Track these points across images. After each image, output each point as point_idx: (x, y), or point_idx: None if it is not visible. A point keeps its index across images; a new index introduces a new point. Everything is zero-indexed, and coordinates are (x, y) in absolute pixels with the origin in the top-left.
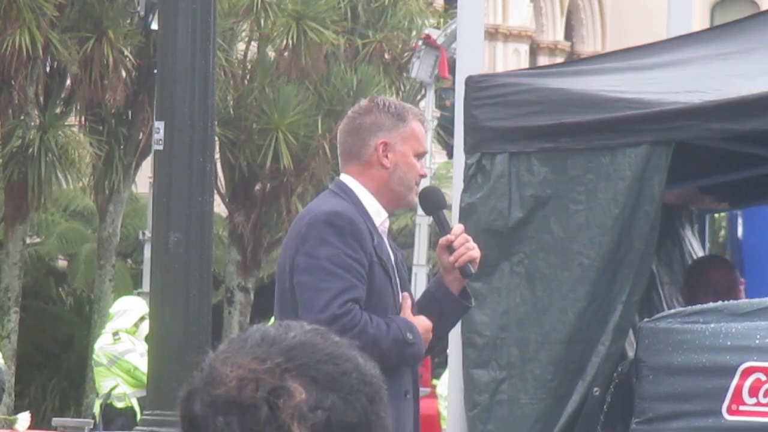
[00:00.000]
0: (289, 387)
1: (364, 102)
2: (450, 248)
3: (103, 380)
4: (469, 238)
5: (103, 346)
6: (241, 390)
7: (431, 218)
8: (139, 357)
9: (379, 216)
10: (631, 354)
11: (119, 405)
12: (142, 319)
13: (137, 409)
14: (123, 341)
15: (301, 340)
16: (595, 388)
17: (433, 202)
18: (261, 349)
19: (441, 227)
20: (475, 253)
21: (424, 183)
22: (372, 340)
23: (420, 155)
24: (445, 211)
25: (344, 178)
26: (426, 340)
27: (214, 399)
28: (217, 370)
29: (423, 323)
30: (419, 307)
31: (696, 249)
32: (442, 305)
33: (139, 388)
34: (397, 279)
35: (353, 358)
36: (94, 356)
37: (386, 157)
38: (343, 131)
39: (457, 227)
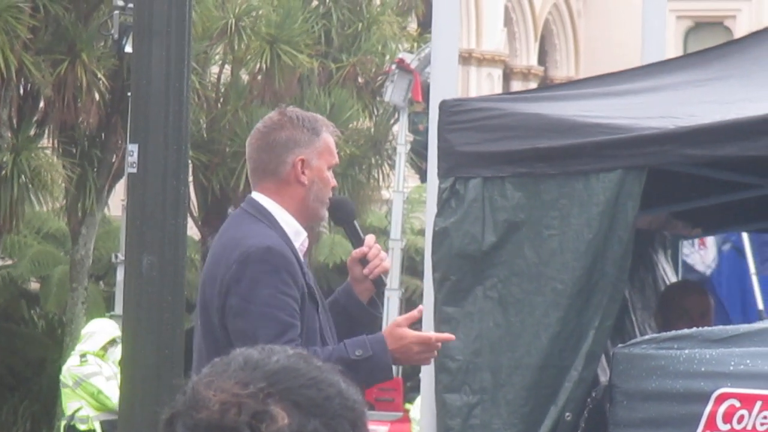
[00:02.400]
0: (271, 411)
1: (274, 115)
2: (363, 260)
3: (69, 402)
4: (380, 247)
5: (69, 367)
6: (224, 414)
7: (404, 242)
8: (104, 380)
9: (299, 236)
10: (603, 379)
11: (82, 427)
12: (111, 342)
13: None
14: (90, 363)
15: (284, 365)
16: (567, 414)
17: (343, 212)
18: (244, 373)
19: (353, 238)
20: (387, 263)
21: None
22: None
23: (332, 167)
24: (356, 222)
25: (257, 197)
26: (405, 352)
27: (197, 423)
28: (200, 393)
29: (395, 334)
30: None
31: (669, 274)
32: (352, 316)
33: (103, 411)
34: (322, 303)
35: (336, 383)
36: (61, 377)
37: (303, 173)
38: (255, 147)
39: (369, 238)
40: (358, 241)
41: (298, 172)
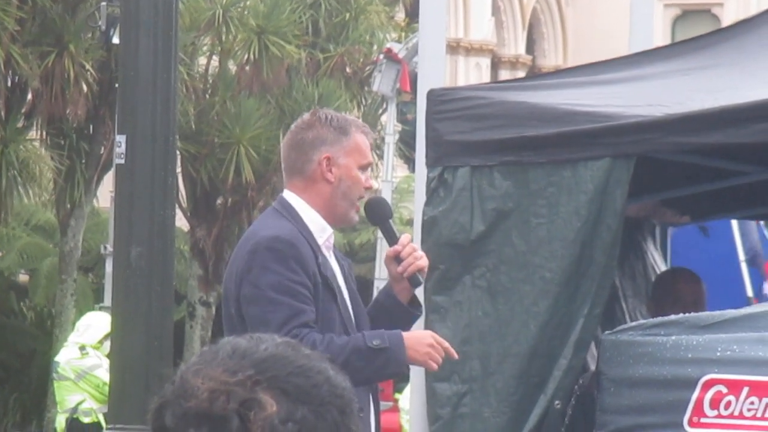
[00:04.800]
0: (260, 399)
1: (306, 116)
2: (398, 259)
3: (69, 395)
4: (417, 247)
5: (70, 360)
6: (213, 402)
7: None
8: (105, 372)
9: (324, 232)
10: (592, 367)
11: (86, 420)
12: (107, 336)
13: (104, 424)
14: (90, 356)
15: (273, 353)
16: (557, 402)
17: (379, 212)
18: (232, 362)
19: (388, 237)
20: (423, 262)
21: (387, 195)
22: (341, 359)
23: (364, 167)
24: (391, 221)
25: (287, 195)
26: (418, 350)
27: (186, 411)
28: (189, 382)
29: (417, 334)
30: (370, 318)
31: (658, 262)
32: (392, 315)
33: (107, 403)
34: (345, 293)
35: (324, 371)
36: (60, 370)
37: (330, 171)
38: (286, 146)
39: (404, 237)
40: (393, 240)
41: (324, 169)
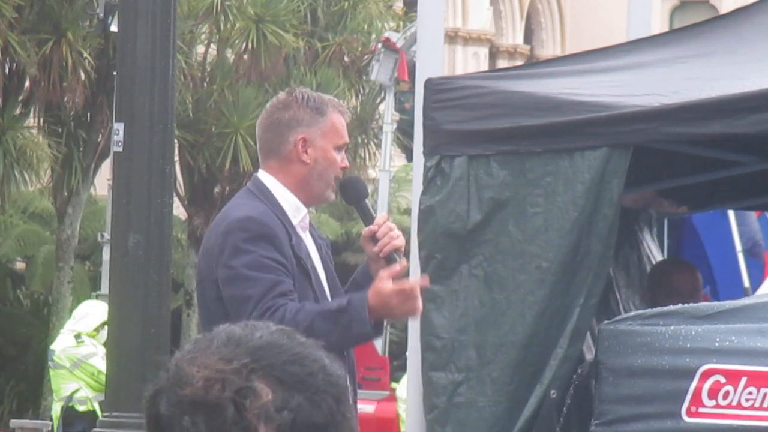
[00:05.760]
0: (255, 387)
1: (282, 95)
2: (374, 238)
3: (64, 383)
4: (394, 226)
5: (65, 348)
6: (208, 390)
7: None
8: (101, 360)
9: (299, 212)
10: (588, 357)
11: (81, 408)
12: (103, 324)
13: (99, 413)
14: (86, 344)
15: (268, 341)
16: (552, 391)
17: (354, 192)
18: (227, 350)
19: (364, 217)
20: (399, 241)
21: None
22: (306, 324)
23: (340, 147)
24: (366, 201)
25: (261, 175)
26: (390, 304)
27: (181, 399)
28: (184, 370)
29: (380, 290)
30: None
31: (654, 253)
32: None
33: (102, 392)
34: (321, 273)
35: (319, 359)
36: (55, 358)
37: (306, 152)
38: (262, 127)
39: (380, 217)
40: (369, 220)
41: (299, 150)
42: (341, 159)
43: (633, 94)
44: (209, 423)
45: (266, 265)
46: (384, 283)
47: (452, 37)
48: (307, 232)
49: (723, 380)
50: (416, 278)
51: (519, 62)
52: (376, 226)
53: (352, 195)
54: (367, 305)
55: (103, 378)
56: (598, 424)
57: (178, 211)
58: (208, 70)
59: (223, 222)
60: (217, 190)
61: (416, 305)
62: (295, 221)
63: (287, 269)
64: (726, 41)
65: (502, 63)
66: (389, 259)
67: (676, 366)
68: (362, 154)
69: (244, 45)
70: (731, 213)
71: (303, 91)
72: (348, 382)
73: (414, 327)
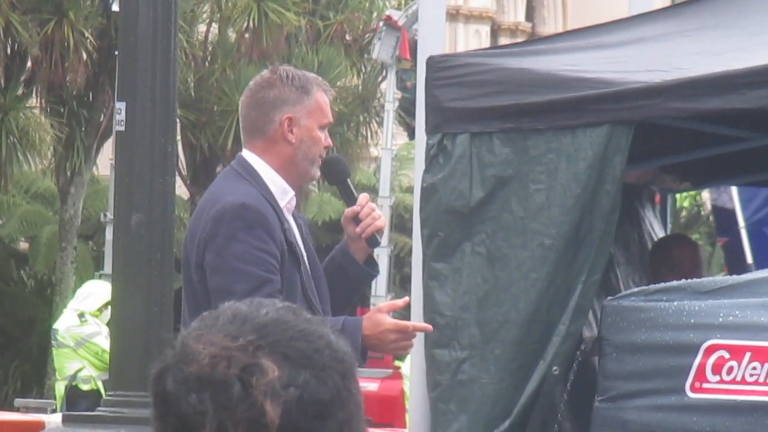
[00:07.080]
0: (261, 364)
1: (266, 73)
2: (356, 219)
3: (68, 362)
4: (375, 207)
5: (69, 327)
6: (214, 367)
7: (392, 199)
8: (105, 340)
9: (285, 194)
10: (588, 334)
11: (85, 387)
12: (107, 304)
13: (103, 392)
14: (89, 323)
15: (274, 318)
16: (555, 368)
17: (337, 171)
18: (233, 327)
19: (346, 197)
20: (381, 222)
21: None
22: None
23: (324, 126)
24: (349, 180)
25: (247, 155)
26: (375, 338)
27: (187, 376)
28: (190, 347)
29: (377, 321)
30: (325, 274)
31: (656, 229)
32: (348, 274)
33: (105, 370)
34: (305, 257)
35: (325, 335)
36: (59, 337)
37: (291, 132)
38: (245, 105)
39: (362, 197)
40: (351, 200)
41: (285, 130)
42: (325, 138)
43: (635, 70)
44: (215, 400)
45: (257, 258)
46: (383, 317)
47: (454, 15)
48: (291, 214)
49: (727, 355)
50: (419, 321)
51: (521, 40)
52: (359, 206)
53: (335, 174)
54: (361, 333)
55: (106, 357)
56: (602, 400)
57: (180, 190)
58: (210, 49)
59: (213, 205)
60: (219, 169)
61: (410, 345)
62: (282, 203)
63: (277, 260)
64: (729, 14)
65: (503, 40)
66: (371, 241)
67: (679, 341)
68: (364, 133)
69: (245, 24)
70: (734, 189)
71: (287, 69)
72: (354, 360)
73: (417, 305)
